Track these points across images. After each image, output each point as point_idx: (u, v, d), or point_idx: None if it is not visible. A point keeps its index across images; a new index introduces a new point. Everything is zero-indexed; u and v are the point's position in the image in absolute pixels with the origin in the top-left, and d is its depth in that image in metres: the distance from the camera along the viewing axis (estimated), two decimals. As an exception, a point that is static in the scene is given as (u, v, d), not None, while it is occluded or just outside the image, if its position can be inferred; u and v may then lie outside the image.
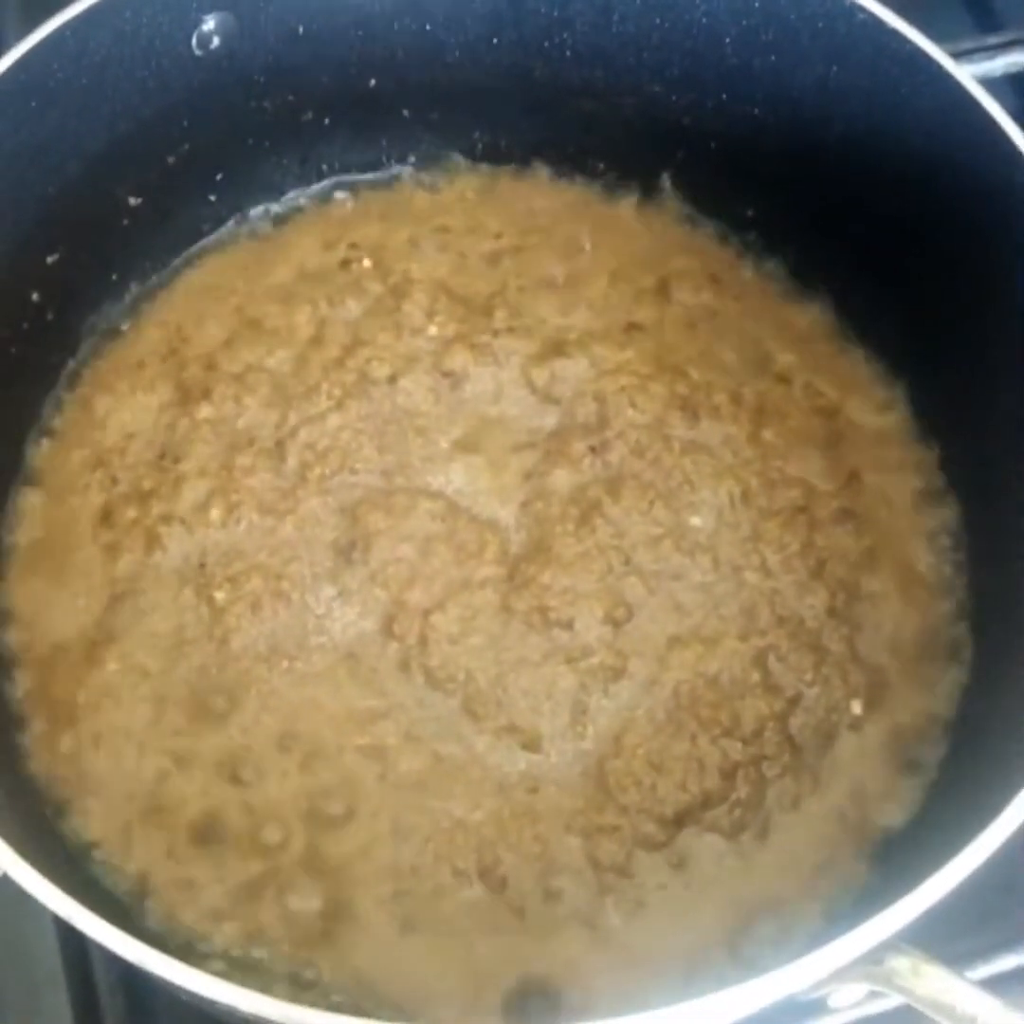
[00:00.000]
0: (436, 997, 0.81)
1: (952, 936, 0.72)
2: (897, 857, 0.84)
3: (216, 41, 0.98)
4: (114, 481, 0.98)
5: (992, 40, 1.27)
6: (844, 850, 0.86)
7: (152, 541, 0.95)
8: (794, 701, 0.89)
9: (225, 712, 0.89)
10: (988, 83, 1.11)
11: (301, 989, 0.81)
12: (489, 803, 0.86)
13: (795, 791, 0.87)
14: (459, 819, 0.86)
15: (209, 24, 0.97)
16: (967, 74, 0.90)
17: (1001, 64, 1.23)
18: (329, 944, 0.82)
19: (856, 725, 0.89)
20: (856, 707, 0.90)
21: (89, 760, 0.88)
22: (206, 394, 1.00)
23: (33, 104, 0.90)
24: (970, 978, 0.68)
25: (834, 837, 0.86)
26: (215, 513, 0.95)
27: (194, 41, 0.97)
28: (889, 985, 0.67)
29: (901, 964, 0.66)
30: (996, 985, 0.86)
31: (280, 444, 0.98)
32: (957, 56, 1.14)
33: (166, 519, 0.95)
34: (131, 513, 0.96)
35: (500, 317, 1.05)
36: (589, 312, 1.06)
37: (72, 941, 0.90)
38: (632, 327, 1.05)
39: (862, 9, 0.91)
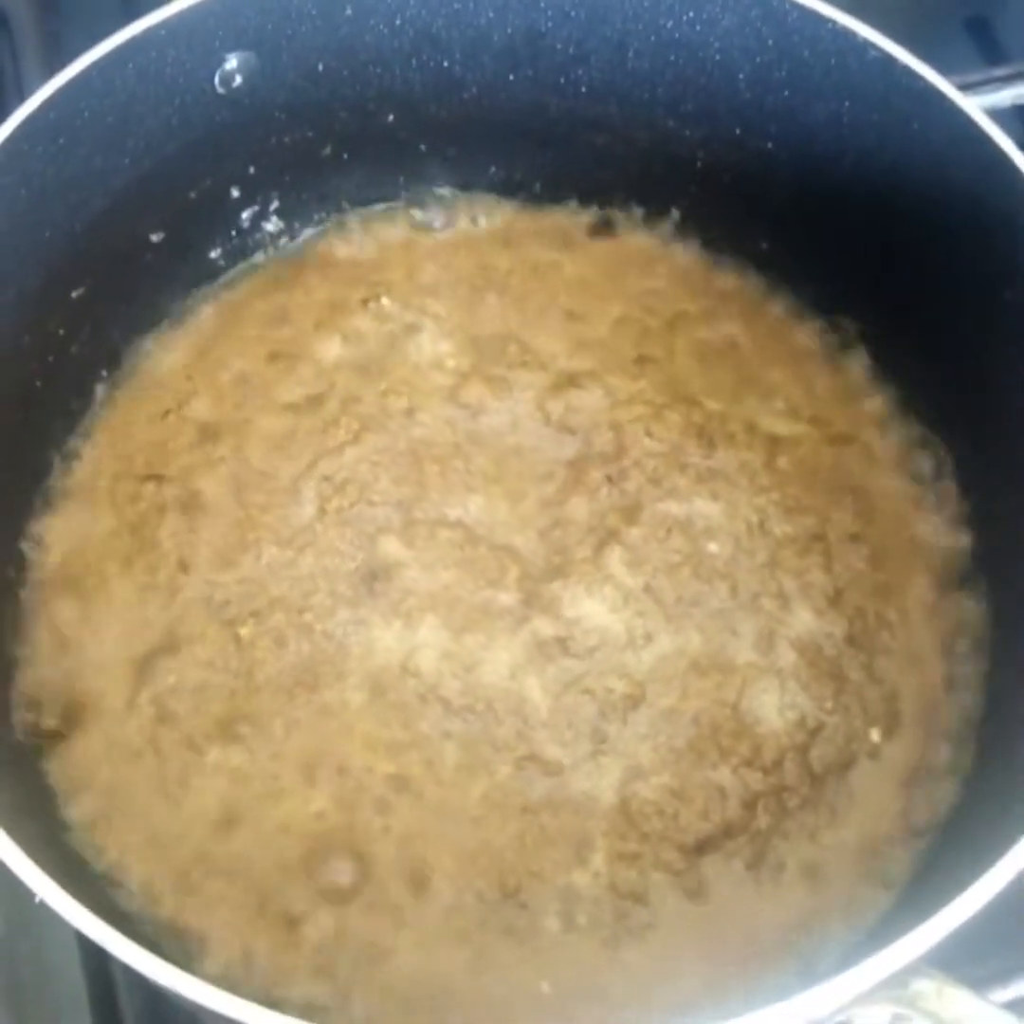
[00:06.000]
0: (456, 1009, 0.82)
1: (973, 959, 0.72)
2: (919, 881, 0.84)
3: (238, 79, 0.99)
4: (136, 521, 0.98)
5: (999, 72, 1.27)
6: (864, 876, 0.86)
7: (176, 581, 0.95)
8: (814, 731, 0.90)
9: (253, 746, 0.89)
10: (996, 114, 1.12)
11: (326, 1008, 0.82)
12: (511, 828, 0.87)
13: (814, 820, 0.87)
14: (482, 843, 0.86)
15: (231, 63, 0.98)
16: (977, 109, 0.91)
17: (1009, 96, 1.24)
18: (355, 966, 0.83)
19: (874, 753, 0.90)
20: (875, 735, 0.90)
21: (121, 802, 0.88)
22: (224, 432, 1.02)
23: (60, 142, 0.91)
24: (993, 1000, 0.68)
25: (853, 864, 0.86)
26: (236, 550, 0.96)
27: (217, 79, 0.98)
28: (913, 1008, 0.67)
29: (925, 987, 0.66)
30: (1019, 1007, 0.86)
31: (297, 478, 0.99)
32: (965, 88, 1.15)
33: (189, 557, 0.96)
34: (154, 553, 0.96)
35: (513, 351, 1.06)
36: (600, 345, 1.07)
37: (97, 969, 0.90)
38: (643, 359, 1.06)
39: (874, 46, 0.93)
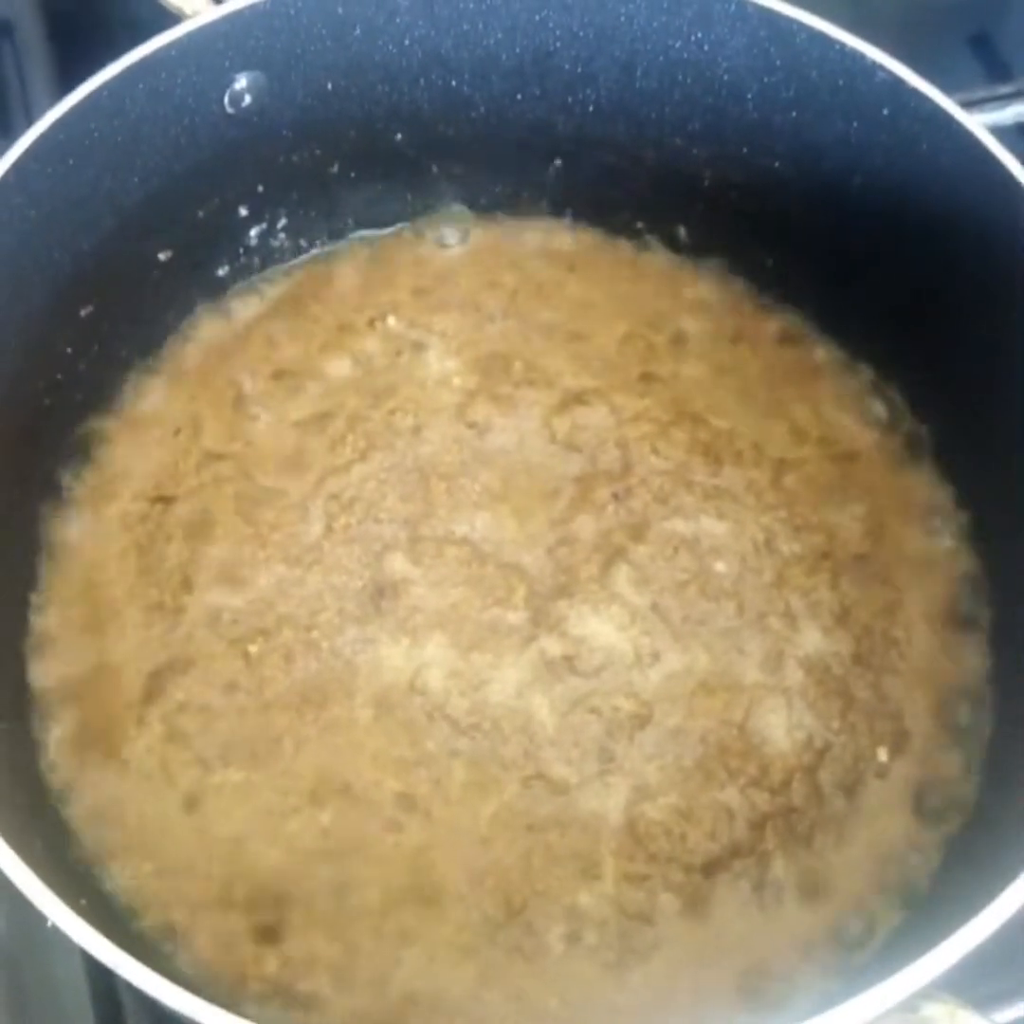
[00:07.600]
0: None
1: (978, 977, 0.72)
2: (928, 903, 0.84)
3: (247, 99, 0.99)
4: (145, 542, 0.98)
5: (1003, 89, 1.28)
6: (872, 897, 0.86)
7: (184, 601, 0.95)
8: (822, 751, 0.90)
9: (262, 764, 0.89)
10: (1000, 131, 1.13)
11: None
12: (519, 847, 0.87)
13: (822, 841, 0.87)
14: (490, 862, 0.86)
15: (241, 82, 0.98)
16: (983, 129, 0.91)
17: (1011, 114, 1.25)
18: (364, 983, 0.83)
19: (882, 773, 0.90)
20: (882, 755, 0.90)
21: (131, 822, 0.88)
22: (232, 451, 1.02)
23: (70, 162, 0.91)
24: (997, 1020, 0.68)
25: (861, 885, 0.86)
26: (244, 569, 0.96)
27: (226, 99, 0.98)
28: (925, 1033, 0.68)
29: (937, 1011, 0.66)
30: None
31: (305, 497, 0.99)
32: (969, 105, 1.15)
33: (197, 577, 0.96)
34: (162, 573, 0.96)
35: (519, 369, 1.06)
36: (606, 363, 1.07)
37: (104, 990, 0.90)
38: (649, 376, 1.06)
39: (883, 68, 0.93)
